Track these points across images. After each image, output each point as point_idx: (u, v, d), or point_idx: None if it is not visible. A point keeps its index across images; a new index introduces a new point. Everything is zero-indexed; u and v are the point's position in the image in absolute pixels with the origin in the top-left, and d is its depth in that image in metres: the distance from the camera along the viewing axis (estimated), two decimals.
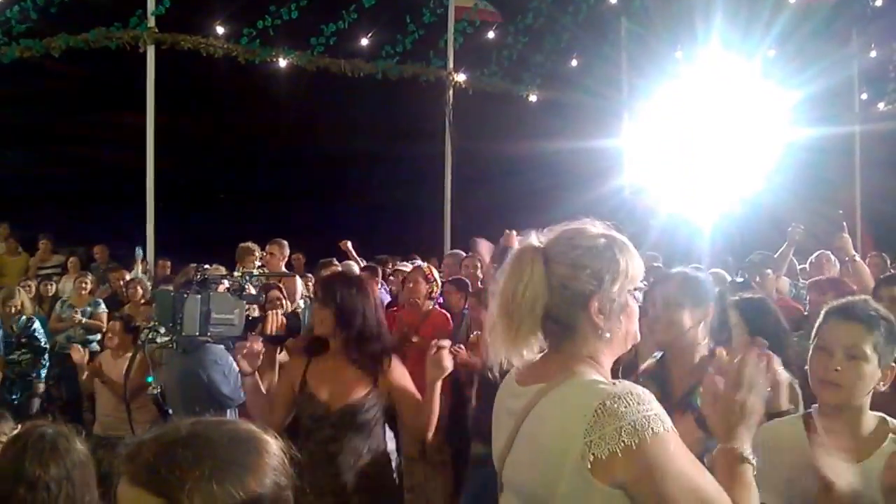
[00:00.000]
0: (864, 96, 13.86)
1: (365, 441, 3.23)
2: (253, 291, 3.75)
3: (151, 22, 9.96)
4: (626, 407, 1.54)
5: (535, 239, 1.79)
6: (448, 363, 3.09)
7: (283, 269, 7.56)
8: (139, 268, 9.18)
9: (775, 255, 7.09)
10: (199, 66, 10.30)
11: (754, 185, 10.41)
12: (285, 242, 7.51)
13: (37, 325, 7.32)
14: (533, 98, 12.52)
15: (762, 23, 11.08)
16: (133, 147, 10.18)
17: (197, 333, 3.22)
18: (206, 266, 3.87)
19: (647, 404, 1.57)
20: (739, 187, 10.58)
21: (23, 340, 7.12)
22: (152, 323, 3.89)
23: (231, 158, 12.66)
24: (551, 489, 1.60)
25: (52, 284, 9.04)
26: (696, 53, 11.38)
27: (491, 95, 12.17)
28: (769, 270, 6.55)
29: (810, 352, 2.33)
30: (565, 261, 1.73)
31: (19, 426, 2.82)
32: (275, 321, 3.47)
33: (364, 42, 11.18)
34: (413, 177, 11.73)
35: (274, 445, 1.34)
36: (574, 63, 12.76)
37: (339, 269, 6.90)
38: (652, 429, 1.52)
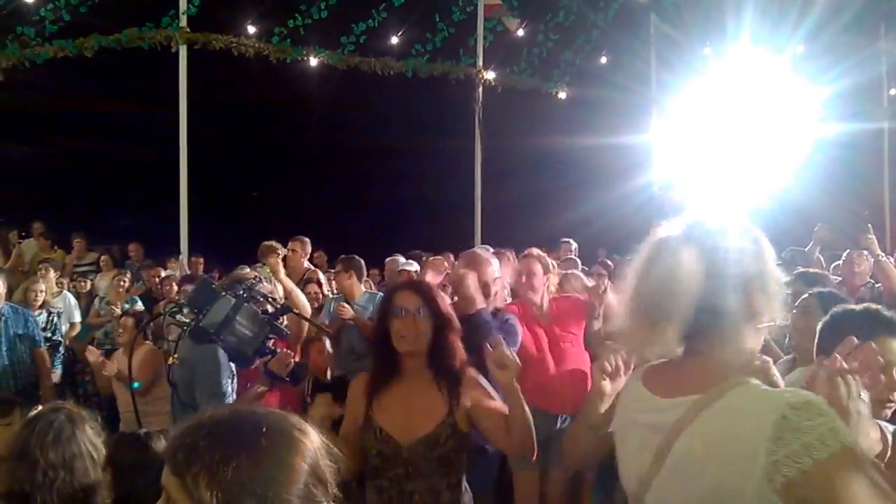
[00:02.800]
0: (893, 92, 13.76)
1: (444, 477, 2.74)
2: (286, 323, 3.76)
3: (183, 22, 10.04)
4: (809, 419, 1.40)
5: (673, 227, 1.67)
6: (514, 361, 2.59)
7: (306, 265, 7.60)
8: (185, 269, 9.27)
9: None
10: (230, 66, 10.37)
11: (783, 180, 10.40)
12: (307, 240, 7.56)
13: (55, 319, 7.39)
14: (562, 95, 12.52)
15: (791, 19, 11.04)
16: (166, 146, 10.27)
17: (212, 331, 3.27)
18: (263, 282, 3.90)
19: (828, 414, 1.42)
20: (768, 183, 10.57)
21: (47, 335, 7.16)
22: (181, 301, 3.94)
23: (263, 157, 12.74)
24: None
25: (87, 282, 9.15)
26: (726, 49, 11.37)
27: (520, 93, 12.16)
28: (799, 268, 6.53)
29: None
30: (721, 243, 1.60)
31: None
32: (284, 360, 3.44)
33: (394, 40, 11.23)
34: (443, 174, 11.77)
35: (310, 437, 1.34)
36: (603, 60, 12.76)
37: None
38: (841, 442, 1.38)
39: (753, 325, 1.61)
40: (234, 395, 3.72)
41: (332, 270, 7.36)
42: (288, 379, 3.51)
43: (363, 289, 6.69)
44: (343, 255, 6.91)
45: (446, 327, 2.84)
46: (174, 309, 3.80)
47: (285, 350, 3.53)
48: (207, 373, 3.53)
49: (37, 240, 10.59)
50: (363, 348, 5.83)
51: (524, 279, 4.85)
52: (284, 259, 7.99)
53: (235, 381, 3.80)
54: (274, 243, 8.00)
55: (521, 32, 11.99)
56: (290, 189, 13.36)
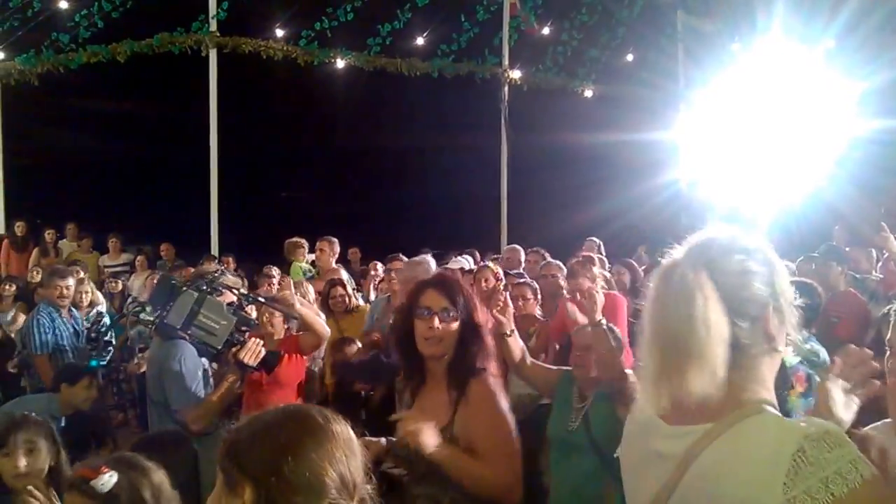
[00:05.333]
0: None
1: (443, 489, 2.45)
2: (253, 315, 3.71)
3: (213, 26, 10.25)
4: (828, 452, 1.30)
5: (681, 253, 1.52)
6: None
7: (334, 264, 7.66)
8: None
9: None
10: (259, 68, 10.53)
11: (814, 178, 10.24)
12: (335, 240, 7.62)
13: (106, 320, 7.53)
14: (588, 93, 12.53)
15: (823, 13, 10.88)
16: (197, 148, 10.45)
17: (178, 327, 3.28)
18: (227, 275, 3.92)
19: (848, 446, 1.32)
20: (799, 180, 10.42)
21: (93, 335, 7.29)
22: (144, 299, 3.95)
23: (291, 157, 12.89)
24: None
25: (118, 282, 9.29)
26: (755, 44, 11.23)
27: (546, 91, 12.22)
28: (834, 262, 6.46)
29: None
30: (732, 268, 1.47)
31: None
32: (254, 350, 3.41)
33: (420, 41, 11.35)
34: (469, 173, 11.79)
35: (335, 428, 1.43)
36: (629, 57, 12.71)
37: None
38: (861, 475, 1.28)
39: (770, 350, 1.48)
40: (208, 389, 3.72)
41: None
42: (260, 368, 3.51)
43: None
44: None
45: (472, 330, 2.57)
46: (137, 308, 3.80)
47: (254, 339, 3.49)
48: (175, 369, 3.53)
49: (77, 241, 10.82)
50: None
51: None
52: (312, 261, 8.11)
53: (209, 375, 3.81)
54: (299, 240, 8.12)
55: (546, 31, 12.00)
56: (318, 189, 13.48)
